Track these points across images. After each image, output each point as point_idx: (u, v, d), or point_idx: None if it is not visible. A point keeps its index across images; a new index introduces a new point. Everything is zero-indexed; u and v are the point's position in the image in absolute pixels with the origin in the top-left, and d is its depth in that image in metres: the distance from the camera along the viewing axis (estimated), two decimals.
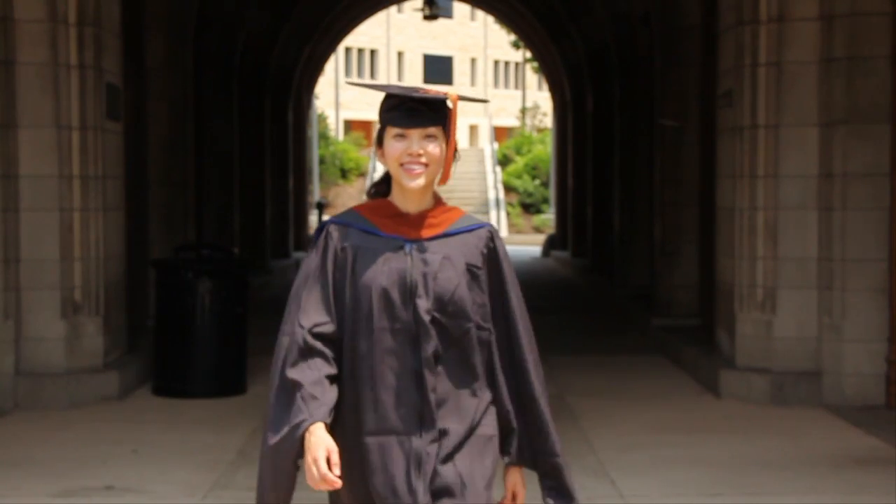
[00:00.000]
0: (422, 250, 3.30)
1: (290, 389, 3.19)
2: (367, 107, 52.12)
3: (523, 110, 53.77)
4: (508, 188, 42.29)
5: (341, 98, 54.11)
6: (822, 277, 9.34)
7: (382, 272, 3.26)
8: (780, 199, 9.43)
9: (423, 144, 3.27)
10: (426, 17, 31.06)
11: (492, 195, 40.57)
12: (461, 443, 3.25)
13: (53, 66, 9.23)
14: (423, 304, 3.24)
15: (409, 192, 3.32)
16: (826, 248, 9.30)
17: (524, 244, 33.54)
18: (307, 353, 3.23)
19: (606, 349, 12.69)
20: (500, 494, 3.43)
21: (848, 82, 9.13)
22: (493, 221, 37.42)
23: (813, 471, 7.27)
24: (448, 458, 3.22)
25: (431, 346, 3.23)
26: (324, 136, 42.29)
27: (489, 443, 3.31)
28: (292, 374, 3.21)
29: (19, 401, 9.15)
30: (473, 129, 59.32)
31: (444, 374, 3.26)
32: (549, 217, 37.75)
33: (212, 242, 13.91)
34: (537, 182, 42.25)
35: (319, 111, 40.86)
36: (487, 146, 45.90)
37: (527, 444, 3.39)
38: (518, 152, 45.53)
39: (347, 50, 55.45)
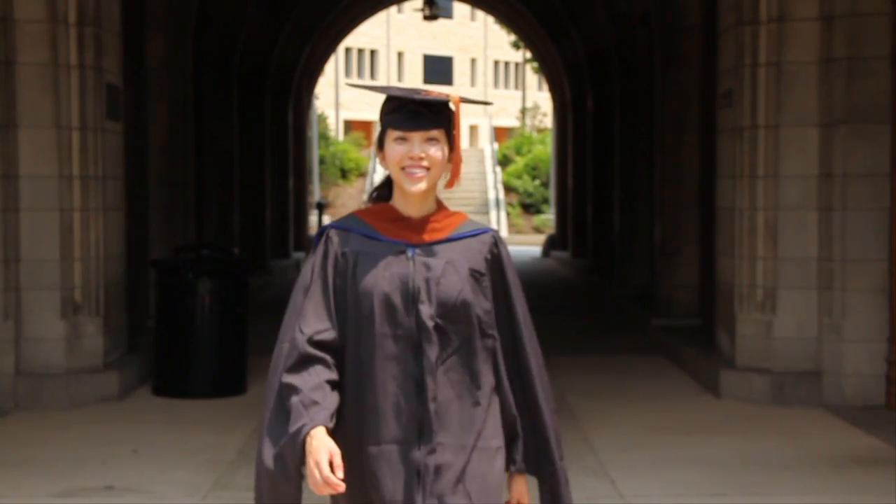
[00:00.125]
0: (424, 255, 3.23)
1: (290, 395, 3.12)
2: (367, 107, 52.13)
3: (523, 110, 53.78)
4: (508, 188, 42.30)
5: (341, 98, 54.12)
6: (822, 277, 9.34)
7: (384, 277, 3.19)
8: (780, 199, 9.43)
9: (424, 148, 3.20)
10: (426, 18, 31.06)
11: (492, 195, 40.57)
12: (466, 457, 3.17)
13: (53, 67, 9.23)
14: (426, 309, 3.18)
15: (411, 197, 3.25)
16: (826, 248, 9.30)
17: (524, 244, 33.55)
18: (307, 359, 3.15)
19: (606, 349, 12.69)
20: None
21: (848, 82, 9.13)
22: (493, 222, 37.46)
23: (813, 471, 7.27)
24: (454, 474, 3.14)
25: (434, 352, 3.16)
26: (324, 137, 42.29)
27: (495, 455, 3.23)
28: (292, 380, 3.13)
29: (19, 401, 9.15)
30: (473, 130, 59.33)
31: (446, 381, 3.18)
32: (549, 217, 37.75)
33: (212, 243, 13.92)
34: (537, 182, 42.26)
35: (319, 111, 40.86)
36: (487, 146, 45.91)
37: (532, 452, 3.32)
38: (518, 152, 45.53)
39: (347, 50, 55.46)
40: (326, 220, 29.64)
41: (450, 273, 3.22)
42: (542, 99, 51.81)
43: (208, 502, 6.69)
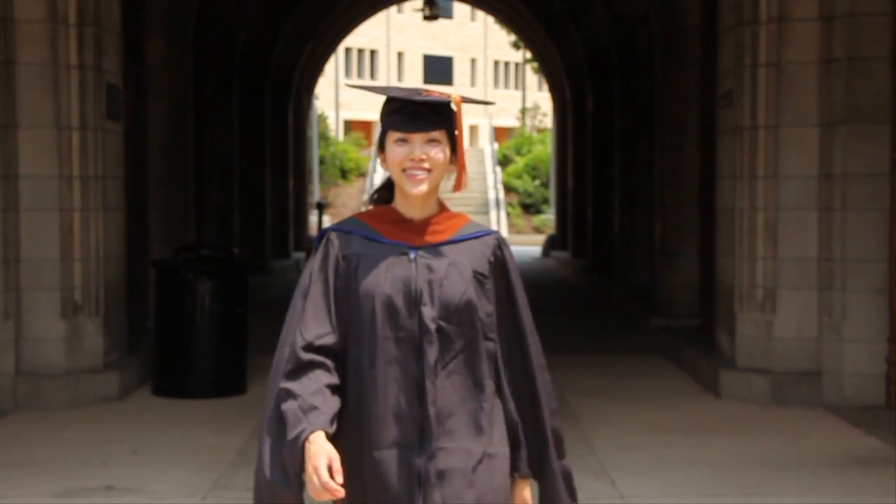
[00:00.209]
0: (427, 257, 3.18)
1: (288, 401, 3.07)
2: (367, 107, 52.14)
3: (523, 111, 53.78)
4: (508, 188, 42.30)
5: (341, 98, 54.12)
6: (822, 278, 9.34)
7: (386, 279, 3.15)
8: (780, 199, 9.43)
9: (425, 149, 3.16)
10: (426, 18, 31.06)
11: (492, 195, 40.57)
12: (473, 463, 3.12)
13: (53, 67, 9.23)
14: (429, 311, 3.13)
15: (413, 199, 3.20)
16: (826, 248, 9.30)
17: (524, 244, 33.55)
18: (307, 364, 3.11)
19: (606, 349, 12.69)
20: None
21: (848, 83, 9.13)
22: (493, 222, 37.46)
23: (813, 471, 7.27)
24: (462, 480, 3.10)
25: (434, 355, 3.11)
26: (324, 137, 42.29)
27: (502, 462, 3.19)
28: (291, 385, 3.09)
29: (19, 401, 9.15)
30: (473, 130, 59.32)
31: (449, 385, 3.14)
32: (549, 217, 37.75)
33: (212, 243, 13.92)
34: (537, 182, 42.26)
35: (319, 111, 40.86)
36: (487, 146, 45.91)
37: (535, 458, 3.28)
38: (518, 153, 45.54)
39: (347, 50, 55.46)
40: (326, 220, 29.64)
41: (453, 275, 3.17)
42: (542, 99, 51.81)
43: (208, 502, 6.69)
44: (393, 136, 3.19)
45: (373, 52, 59.17)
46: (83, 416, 8.92)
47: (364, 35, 51.88)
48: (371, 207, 3.34)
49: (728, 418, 8.89)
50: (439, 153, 3.17)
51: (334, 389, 3.12)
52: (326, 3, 23.02)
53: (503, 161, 44.64)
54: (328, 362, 3.14)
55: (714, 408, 9.36)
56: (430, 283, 3.15)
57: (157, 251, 12.52)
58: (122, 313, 10.20)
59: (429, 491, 3.08)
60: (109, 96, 9.69)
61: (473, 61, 63.26)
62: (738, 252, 9.69)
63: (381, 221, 3.24)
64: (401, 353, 3.12)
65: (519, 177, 42.74)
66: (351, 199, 40.80)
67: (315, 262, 3.23)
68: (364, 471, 3.12)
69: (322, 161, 40.15)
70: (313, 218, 28.77)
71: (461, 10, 56.45)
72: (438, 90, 3.23)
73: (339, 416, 3.12)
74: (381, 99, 3.25)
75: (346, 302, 3.18)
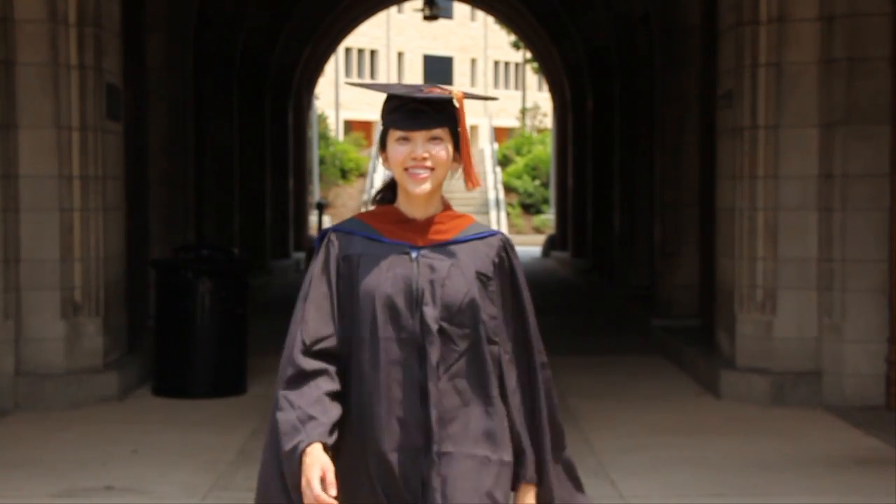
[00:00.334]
0: (429, 257, 3.12)
1: (287, 411, 3.04)
2: (368, 107, 52.14)
3: (523, 111, 53.78)
4: (508, 188, 42.29)
5: (341, 98, 54.12)
6: (822, 278, 9.34)
7: (387, 279, 3.09)
8: (780, 199, 9.43)
9: (428, 147, 3.10)
10: (426, 18, 31.06)
11: (492, 196, 40.56)
12: (479, 468, 3.07)
13: (53, 67, 9.22)
14: (431, 312, 3.07)
15: (415, 198, 3.14)
16: (826, 248, 9.30)
17: (524, 245, 33.54)
18: (308, 371, 3.06)
19: (606, 350, 12.69)
20: None
21: (848, 83, 9.13)
22: (493, 222, 37.45)
23: (813, 471, 7.27)
24: (469, 486, 3.04)
25: (436, 356, 3.05)
26: (324, 137, 42.29)
27: (503, 468, 3.12)
28: (290, 394, 3.05)
29: (19, 401, 9.14)
30: (473, 130, 59.30)
31: (452, 388, 3.08)
32: (549, 217, 37.75)
33: (212, 243, 13.92)
34: (537, 182, 42.26)
35: (319, 111, 40.86)
36: (487, 146, 45.91)
37: (536, 460, 3.22)
38: (518, 153, 45.54)
39: (347, 50, 55.46)
40: (326, 220, 29.64)
41: (455, 275, 3.11)
42: (542, 99, 51.81)
43: (208, 502, 6.69)
44: (394, 134, 3.13)
45: (373, 52, 59.18)
46: (83, 417, 8.92)
47: (364, 35, 51.89)
48: (373, 207, 3.28)
49: (728, 419, 8.89)
50: (442, 151, 3.12)
51: (335, 395, 3.08)
52: (327, 3, 23.02)
53: (503, 161, 44.63)
54: (329, 367, 3.10)
55: (714, 408, 9.36)
56: (431, 282, 3.10)
57: (157, 251, 12.52)
58: (122, 313, 10.20)
59: (431, 495, 3.03)
60: (109, 96, 9.69)
61: (473, 61, 63.27)
62: (738, 252, 9.69)
63: (383, 221, 3.19)
64: (403, 355, 3.07)
65: (519, 177, 42.73)
66: (351, 200, 40.81)
67: (316, 264, 3.18)
68: (368, 476, 3.07)
69: (322, 161, 40.15)
70: (313, 218, 28.77)
71: (461, 10, 56.46)
72: (440, 87, 3.18)
73: (342, 420, 3.08)
74: (382, 99, 3.20)
75: (348, 303, 3.13)
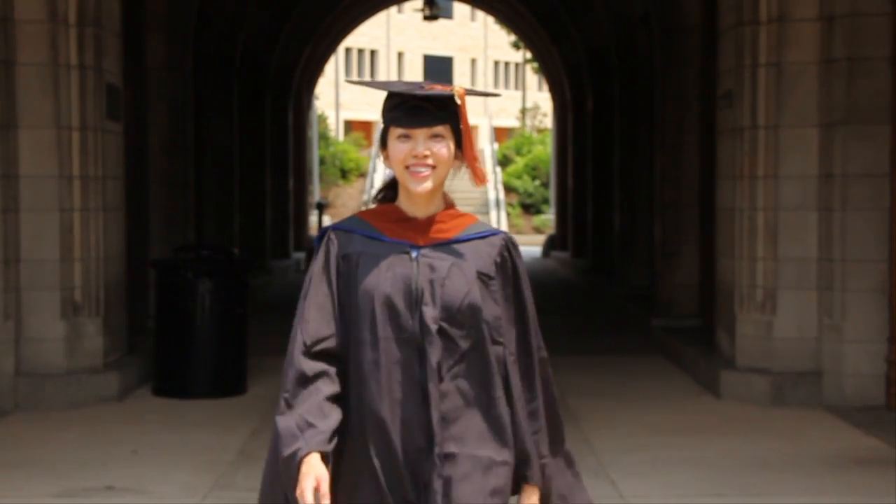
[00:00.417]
0: (429, 256, 3.08)
1: (287, 417, 3.02)
2: (368, 107, 52.14)
3: (523, 111, 53.78)
4: (508, 188, 42.30)
5: (341, 98, 54.11)
6: (822, 278, 9.34)
7: (386, 279, 3.05)
8: (780, 199, 9.43)
9: (429, 145, 3.05)
10: (426, 18, 31.06)
11: (492, 196, 40.57)
12: (484, 470, 3.03)
13: (53, 67, 9.22)
14: (430, 312, 3.02)
15: (417, 196, 3.10)
16: (826, 248, 9.30)
17: (524, 245, 33.51)
18: (308, 374, 3.04)
19: (606, 350, 12.69)
20: None
21: (848, 83, 9.13)
22: (493, 222, 37.44)
23: (813, 471, 7.27)
24: (475, 489, 3.01)
25: (436, 357, 3.01)
26: (324, 137, 42.29)
27: (506, 470, 3.08)
28: (291, 400, 3.02)
29: (19, 401, 9.14)
30: (473, 130, 59.30)
31: (454, 390, 3.04)
32: (549, 217, 37.76)
33: (212, 243, 13.92)
34: (537, 182, 42.26)
35: (319, 111, 40.87)
36: (487, 146, 45.92)
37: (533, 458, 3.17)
38: (518, 153, 45.55)
39: (347, 50, 55.47)
40: (326, 220, 29.63)
41: (455, 275, 3.07)
42: (542, 99, 51.82)
43: (208, 503, 6.69)
44: (395, 132, 3.09)
45: (373, 52, 59.18)
46: (83, 417, 8.91)
47: (364, 35, 51.89)
48: (374, 206, 3.25)
49: (728, 419, 8.89)
50: (443, 149, 3.07)
51: (336, 398, 3.05)
52: (327, 3, 23.02)
53: (503, 161, 44.64)
54: (330, 369, 3.07)
55: (714, 408, 9.36)
56: (431, 282, 3.05)
57: (157, 251, 12.52)
58: (122, 313, 10.20)
59: (433, 497, 2.99)
60: (109, 96, 9.70)
61: (473, 61, 63.27)
62: (738, 252, 9.69)
63: (384, 220, 3.15)
64: (403, 355, 3.03)
65: (519, 177, 42.74)
66: (351, 200, 40.81)
67: (317, 263, 3.15)
68: (373, 474, 3.03)
69: (322, 161, 40.16)
70: (313, 218, 28.79)
71: (461, 10, 56.45)
72: (441, 83, 3.13)
73: (343, 421, 3.05)
74: (382, 99, 3.17)
75: (347, 302, 3.09)
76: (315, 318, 3.10)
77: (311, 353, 3.07)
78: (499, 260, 3.16)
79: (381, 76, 58.94)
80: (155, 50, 13.10)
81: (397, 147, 3.08)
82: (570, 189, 24.83)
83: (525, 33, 28.48)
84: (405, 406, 3.02)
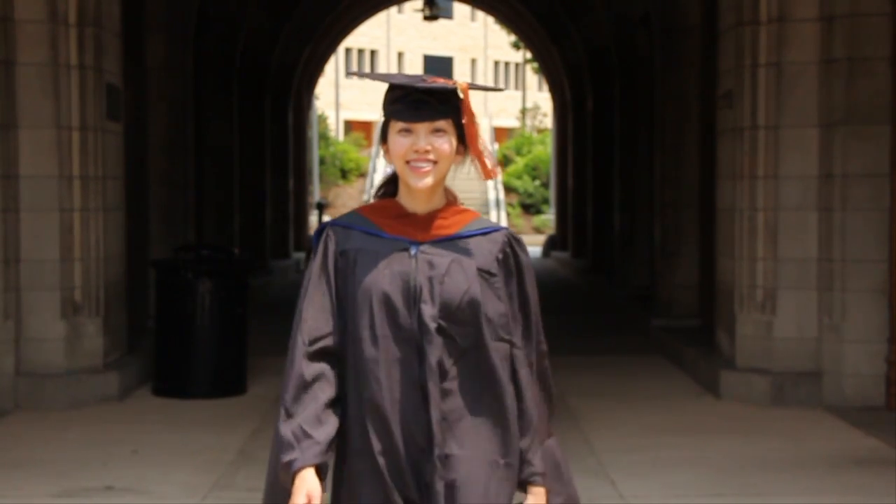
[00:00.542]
0: (428, 252, 3.02)
1: (287, 422, 2.99)
2: (368, 107, 52.16)
3: (523, 111, 53.79)
4: (508, 189, 42.31)
5: (341, 98, 54.13)
6: (822, 278, 9.34)
7: (384, 276, 2.99)
8: (780, 199, 9.43)
9: (430, 140, 2.99)
10: (426, 18, 31.06)
11: (492, 196, 40.57)
12: (488, 472, 2.98)
13: (53, 67, 9.22)
14: (429, 310, 2.97)
15: (417, 192, 3.04)
16: (826, 248, 9.30)
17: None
18: (307, 377, 3.00)
19: (606, 349, 12.69)
20: None
21: (848, 83, 9.13)
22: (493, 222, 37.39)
23: (813, 472, 7.27)
24: (479, 492, 2.96)
25: (436, 356, 2.95)
26: (324, 137, 42.30)
27: (510, 472, 3.03)
28: (290, 406, 2.99)
29: (19, 401, 9.14)
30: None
31: (455, 389, 2.99)
32: (549, 218, 37.76)
33: (212, 243, 13.92)
34: (537, 183, 42.27)
35: (319, 111, 40.87)
36: (488, 147, 45.87)
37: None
38: (518, 153, 45.56)
39: (348, 50, 55.48)
40: (326, 220, 29.61)
41: (455, 271, 3.00)
42: (542, 99, 51.82)
43: (208, 503, 6.69)
44: (396, 125, 3.02)
45: (373, 52, 59.20)
46: (83, 417, 8.92)
47: (364, 35, 51.90)
48: (374, 201, 3.19)
49: (728, 419, 8.89)
50: (445, 144, 3.01)
51: (335, 402, 3.03)
52: (327, 3, 23.02)
53: (503, 161, 44.64)
54: (329, 370, 3.03)
55: (714, 408, 9.36)
56: (430, 279, 2.99)
57: (157, 251, 12.52)
58: (122, 313, 10.20)
59: (436, 500, 2.95)
60: (109, 96, 9.70)
61: (473, 61, 63.29)
62: (738, 252, 9.69)
63: (383, 215, 3.10)
64: (402, 354, 2.98)
65: (519, 177, 42.75)
66: (351, 200, 40.82)
67: (315, 261, 3.11)
68: (376, 471, 2.99)
69: (322, 161, 40.16)
70: (313, 218, 28.78)
71: (461, 11, 56.46)
72: (444, 79, 3.06)
73: (342, 420, 3.03)
74: (382, 99, 3.10)
75: (346, 299, 3.04)
76: (313, 317, 3.06)
77: (310, 353, 3.03)
78: (501, 256, 3.10)
79: None
80: (155, 50, 13.10)
81: (398, 141, 3.02)
82: (570, 189, 24.83)
83: (525, 33, 28.48)
84: (405, 405, 2.97)
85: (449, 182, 3.15)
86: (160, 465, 7.42)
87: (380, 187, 3.20)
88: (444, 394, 2.99)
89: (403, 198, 3.10)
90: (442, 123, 3.01)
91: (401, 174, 3.06)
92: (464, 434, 2.99)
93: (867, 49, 9.08)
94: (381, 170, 39.57)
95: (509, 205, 41.39)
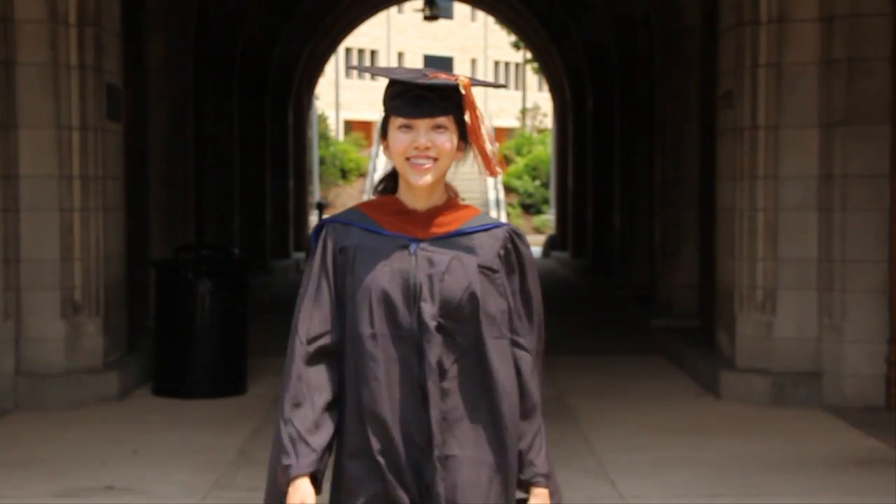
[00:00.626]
0: (428, 250, 2.97)
1: (285, 426, 2.98)
2: (368, 107, 52.17)
3: (523, 111, 53.80)
4: (508, 189, 42.32)
5: (341, 98, 54.14)
6: (822, 278, 9.34)
7: (384, 273, 2.94)
8: (781, 200, 9.43)
9: (431, 136, 2.94)
10: (426, 18, 31.05)
11: (492, 196, 40.59)
12: (490, 474, 2.95)
13: (54, 67, 9.23)
14: (428, 308, 2.92)
15: (417, 188, 2.99)
16: (826, 249, 9.30)
17: None
18: (305, 379, 2.98)
19: (606, 350, 12.69)
20: None
21: (848, 83, 9.13)
22: None
23: (812, 472, 7.27)
24: (480, 494, 2.93)
25: (435, 355, 2.91)
26: (324, 137, 42.32)
27: (510, 475, 2.99)
28: (288, 411, 2.97)
29: (19, 401, 9.15)
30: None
31: (454, 389, 2.94)
32: (549, 218, 37.77)
33: (212, 243, 13.92)
34: (537, 183, 42.28)
35: (320, 112, 40.88)
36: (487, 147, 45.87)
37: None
38: (518, 153, 45.57)
39: (348, 50, 55.49)
40: (326, 217, 29.59)
41: (455, 269, 2.96)
42: (542, 99, 51.83)
43: (208, 502, 6.69)
44: (396, 121, 2.97)
45: (373, 53, 59.23)
46: (83, 416, 8.92)
47: (364, 35, 51.92)
48: (374, 197, 3.14)
49: (728, 419, 8.89)
50: (446, 141, 2.96)
51: (332, 403, 3.00)
52: (327, 3, 23.02)
53: (504, 161, 44.63)
54: (327, 371, 3.01)
55: (714, 408, 9.36)
56: (430, 277, 2.95)
57: (157, 251, 12.52)
58: (122, 313, 10.21)
59: (437, 501, 2.92)
60: (109, 96, 9.70)
61: (474, 62, 63.31)
62: (738, 253, 9.69)
63: (383, 212, 3.05)
64: (401, 353, 2.93)
65: (519, 177, 42.75)
66: (351, 200, 40.82)
67: (314, 259, 3.07)
68: (375, 470, 2.95)
69: (322, 161, 40.17)
70: (313, 218, 28.78)
71: (461, 11, 56.48)
72: (446, 74, 3.00)
73: (341, 419, 3.01)
74: (382, 99, 3.06)
75: (346, 297, 3.00)
76: (311, 316, 3.03)
77: (308, 353, 3.00)
78: (503, 252, 3.05)
79: (381, 76, 58.84)
80: (155, 50, 13.10)
81: (398, 138, 2.97)
82: (570, 189, 24.83)
83: (525, 33, 28.48)
84: (404, 405, 2.93)
85: (449, 180, 3.11)
86: (160, 465, 7.42)
87: (379, 182, 3.15)
88: (444, 393, 2.95)
89: (403, 194, 3.05)
90: (443, 120, 2.96)
91: (401, 171, 3.01)
92: (463, 434, 2.95)
93: (867, 49, 9.08)
94: (381, 170, 39.54)
95: (509, 205, 41.40)
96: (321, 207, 28.94)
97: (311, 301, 3.04)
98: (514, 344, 3.05)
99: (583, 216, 22.74)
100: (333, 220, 3.10)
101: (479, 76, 62.97)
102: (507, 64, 63.24)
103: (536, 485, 3.06)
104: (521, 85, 56.98)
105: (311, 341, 3.02)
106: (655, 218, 13.92)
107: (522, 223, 40.90)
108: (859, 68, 9.11)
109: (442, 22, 50.57)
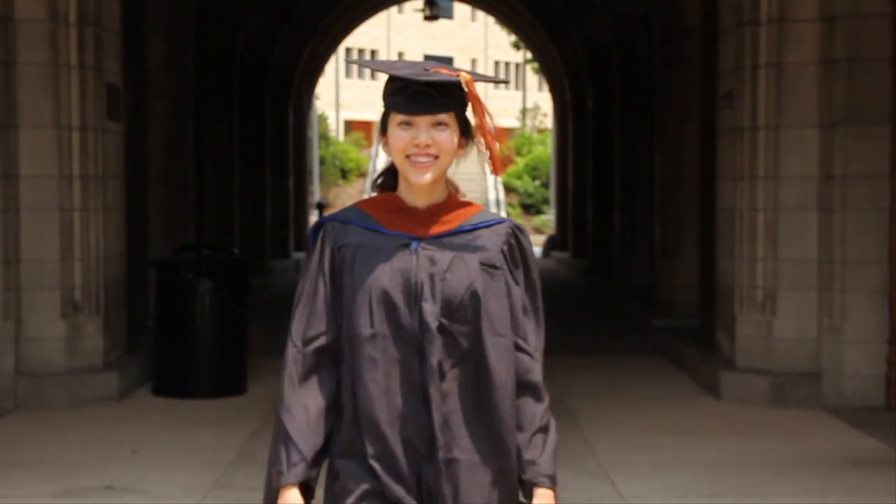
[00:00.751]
0: (430, 248, 2.90)
1: (278, 430, 2.95)
2: (368, 107, 52.16)
3: (523, 111, 53.80)
4: (508, 189, 42.32)
5: (341, 98, 54.12)
6: (821, 279, 9.34)
7: (384, 273, 2.87)
8: (781, 200, 9.43)
9: (431, 134, 2.87)
10: (426, 18, 31.07)
11: (492, 196, 40.59)
12: (491, 477, 2.90)
13: (54, 66, 9.23)
14: (430, 308, 2.85)
15: (417, 186, 2.91)
16: (826, 249, 9.30)
17: None
18: (300, 382, 2.93)
19: (607, 350, 12.69)
20: None
21: (848, 84, 9.13)
22: None
23: (812, 472, 7.27)
24: (481, 497, 2.89)
25: (437, 356, 2.84)
26: (324, 137, 42.32)
27: (512, 477, 2.94)
28: (283, 415, 2.93)
29: (19, 401, 9.15)
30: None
31: (454, 390, 2.88)
32: (549, 218, 37.77)
33: (212, 243, 13.93)
34: (537, 183, 42.28)
35: (320, 112, 40.88)
36: None
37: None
38: (518, 153, 45.56)
39: (348, 50, 55.43)
40: (325, 215, 29.62)
41: (457, 267, 2.89)
42: (542, 99, 51.83)
43: (208, 502, 6.69)
44: (396, 118, 2.90)
45: (373, 53, 59.19)
46: (83, 416, 8.92)
47: (364, 35, 51.89)
48: (374, 194, 3.06)
49: (728, 419, 8.89)
50: (447, 138, 2.89)
51: (327, 407, 2.95)
52: (327, 3, 23.03)
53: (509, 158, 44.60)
54: (322, 373, 2.95)
55: (714, 409, 9.36)
56: (431, 276, 2.87)
57: (157, 251, 12.52)
58: (122, 313, 10.21)
59: (442, 502, 2.87)
60: (109, 96, 9.70)
61: (474, 62, 63.29)
62: (738, 253, 9.69)
63: (383, 210, 2.97)
64: (402, 354, 2.87)
65: (519, 177, 42.76)
66: (351, 200, 40.74)
67: (312, 258, 3.01)
68: (373, 473, 2.90)
69: (322, 161, 40.17)
70: (313, 218, 28.80)
71: (461, 11, 56.47)
72: (448, 70, 2.91)
73: (339, 421, 2.96)
74: (382, 100, 3.00)
75: (345, 296, 2.93)
76: (308, 317, 2.97)
77: (304, 355, 2.95)
78: (506, 248, 2.98)
79: (381, 76, 58.69)
80: (155, 50, 13.10)
81: (398, 135, 2.90)
82: (570, 189, 24.84)
83: (525, 33, 28.49)
84: (405, 407, 2.87)
85: (450, 175, 3.05)
86: (160, 465, 7.42)
87: (378, 177, 3.08)
88: (445, 395, 2.89)
89: (403, 191, 2.98)
90: (444, 117, 2.90)
91: (400, 168, 2.94)
92: (465, 437, 2.90)
93: (867, 49, 9.08)
94: (380, 169, 39.49)
95: (509, 205, 41.40)
96: (321, 207, 28.97)
97: (307, 302, 2.98)
98: (519, 349, 2.99)
99: (583, 216, 22.75)
100: (332, 218, 3.04)
101: None
102: (507, 64, 63.23)
103: (540, 485, 2.99)
104: (521, 85, 56.98)
105: (306, 343, 2.96)
106: (655, 218, 13.93)
107: (522, 223, 40.79)
108: (859, 68, 9.11)
109: (442, 22, 50.56)
